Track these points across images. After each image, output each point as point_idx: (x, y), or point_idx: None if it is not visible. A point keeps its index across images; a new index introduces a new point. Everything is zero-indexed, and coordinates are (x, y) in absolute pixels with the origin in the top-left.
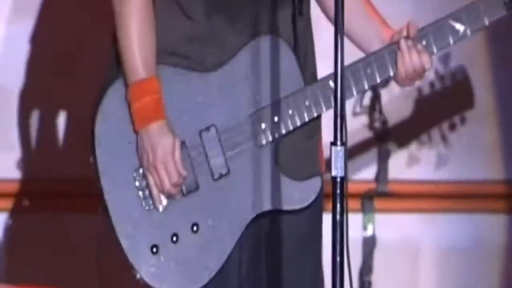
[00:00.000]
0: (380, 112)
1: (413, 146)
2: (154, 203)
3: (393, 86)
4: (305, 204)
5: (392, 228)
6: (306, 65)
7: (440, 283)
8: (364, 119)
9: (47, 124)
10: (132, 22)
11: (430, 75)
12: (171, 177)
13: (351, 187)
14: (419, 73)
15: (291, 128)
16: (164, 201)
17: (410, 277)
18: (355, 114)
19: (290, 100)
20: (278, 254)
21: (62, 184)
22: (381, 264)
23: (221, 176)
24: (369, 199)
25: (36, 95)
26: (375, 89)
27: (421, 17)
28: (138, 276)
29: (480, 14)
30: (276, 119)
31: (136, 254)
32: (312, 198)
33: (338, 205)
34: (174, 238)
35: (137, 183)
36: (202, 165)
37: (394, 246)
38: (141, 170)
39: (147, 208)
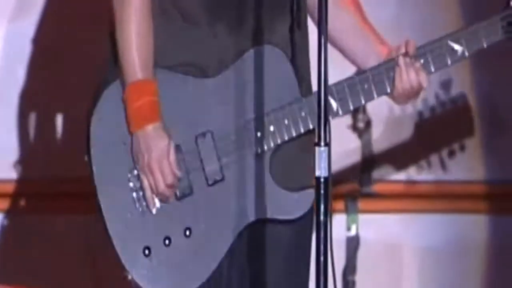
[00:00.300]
0: (364, 112)
1: (412, 170)
2: (147, 205)
3: (394, 108)
4: (298, 214)
5: (376, 228)
6: (302, 79)
7: (422, 283)
8: (347, 120)
9: (44, 124)
10: (132, 26)
11: (431, 100)
12: (166, 178)
13: (335, 188)
14: (416, 91)
15: (286, 138)
16: (158, 204)
17: (393, 277)
18: None
19: (287, 110)
20: (267, 263)
21: (58, 184)
22: (365, 264)
23: (215, 182)
24: (353, 200)
25: (32, 95)
26: None
27: (405, 21)
28: (129, 277)
29: (479, 37)
30: (272, 128)
31: (128, 255)
32: (305, 209)
33: (322, 206)
34: (167, 242)
35: (131, 184)
36: (197, 170)
37: (377, 246)
38: (135, 172)
39: (140, 209)
